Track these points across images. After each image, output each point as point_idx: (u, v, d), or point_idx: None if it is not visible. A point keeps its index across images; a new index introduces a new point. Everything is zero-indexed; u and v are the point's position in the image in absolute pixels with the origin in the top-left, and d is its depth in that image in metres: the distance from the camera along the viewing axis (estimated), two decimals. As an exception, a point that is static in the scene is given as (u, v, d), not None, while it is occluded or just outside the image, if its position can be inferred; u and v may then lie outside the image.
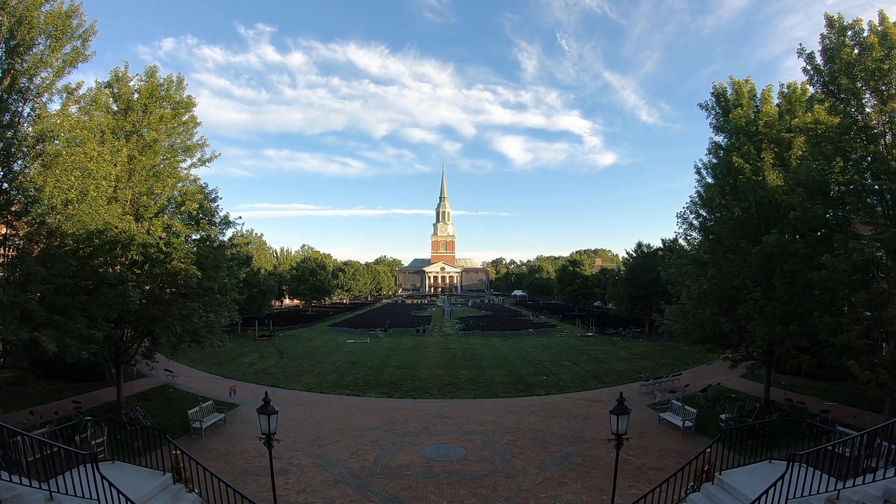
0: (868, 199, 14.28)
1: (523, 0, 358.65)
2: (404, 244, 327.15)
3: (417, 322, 60.24)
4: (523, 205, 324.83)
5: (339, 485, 12.54)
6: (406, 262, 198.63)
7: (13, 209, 13.48)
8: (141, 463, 10.28)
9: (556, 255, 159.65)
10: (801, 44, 14.97)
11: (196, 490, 9.93)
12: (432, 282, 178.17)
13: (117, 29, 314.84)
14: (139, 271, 17.34)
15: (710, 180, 19.84)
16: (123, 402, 19.11)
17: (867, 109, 13.73)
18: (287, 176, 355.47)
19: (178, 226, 18.30)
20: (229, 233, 22.65)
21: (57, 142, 13.80)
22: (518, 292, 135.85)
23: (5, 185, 13.40)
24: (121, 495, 7.65)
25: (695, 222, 20.35)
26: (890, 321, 13.05)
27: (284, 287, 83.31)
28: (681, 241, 24.50)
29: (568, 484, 12.67)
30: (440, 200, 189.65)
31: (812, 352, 18.09)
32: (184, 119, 19.03)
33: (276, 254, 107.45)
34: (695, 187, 20.45)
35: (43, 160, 13.61)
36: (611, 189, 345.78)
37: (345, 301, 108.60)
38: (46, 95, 13.76)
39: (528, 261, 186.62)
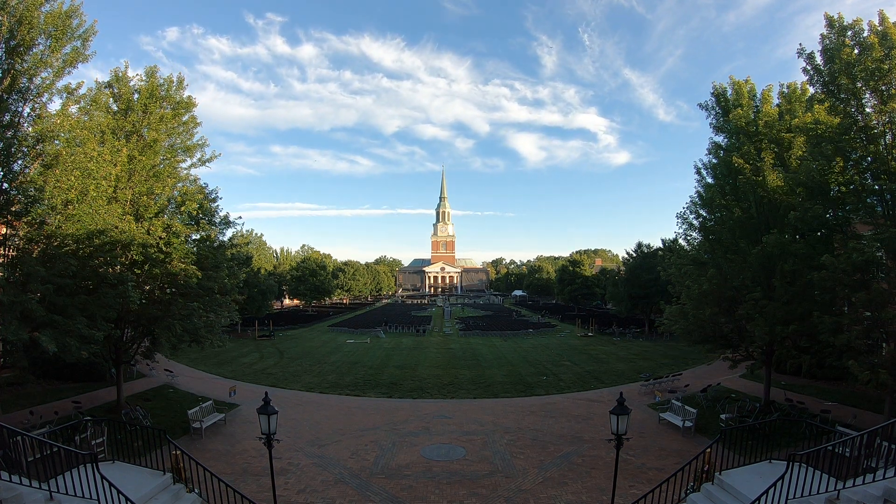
0: (868, 199, 14.27)
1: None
2: (404, 244, 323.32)
3: (417, 322, 60.24)
4: (530, 205, 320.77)
5: (339, 485, 12.54)
6: (406, 263, 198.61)
7: (13, 209, 13.48)
8: (141, 463, 10.28)
9: (556, 256, 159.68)
10: (800, 44, 14.99)
11: (196, 490, 9.93)
12: (432, 282, 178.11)
13: (118, 18, 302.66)
14: (139, 271, 17.33)
15: (710, 180, 19.83)
16: (123, 402, 19.11)
17: (867, 109, 13.72)
18: (293, 174, 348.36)
19: (178, 226, 18.29)
20: (229, 233, 22.70)
21: (57, 142, 13.79)
22: (518, 292, 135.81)
23: (5, 185, 13.40)
24: (121, 495, 7.65)
25: (695, 222, 20.35)
26: (890, 321, 13.05)
27: (284, 287, 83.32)
28: (681, 241, 24.57)
29: (568, 484, 12.67)
30: (440, 200, 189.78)
31: (812, 352, 18.12)
32: (184, 119, 19.02)
33: (276, 254, 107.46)
34: (695, 187, 20.48)
35: (43, 160, 13.61)
36: (619, 189, 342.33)
37: (345, 301, 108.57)
38: (46, 95, 13.74)
39: (528, 261, 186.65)
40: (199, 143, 19.56)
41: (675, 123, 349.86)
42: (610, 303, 68.27)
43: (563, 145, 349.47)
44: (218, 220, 20.74)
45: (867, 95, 13.63)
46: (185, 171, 19.56)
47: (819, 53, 14.42)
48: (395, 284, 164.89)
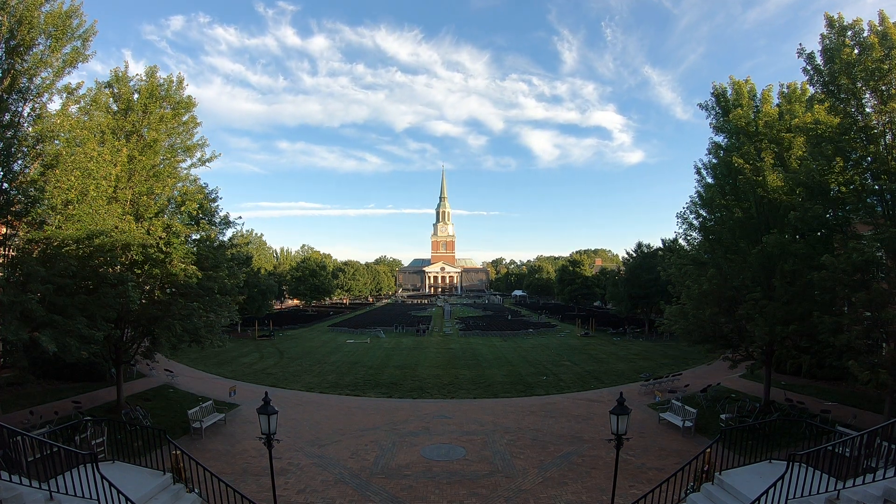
0: (868, 199, 14.25)
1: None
2: (405, 244, 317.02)
3: (417, 322, 60.24)
4: (537, 205, 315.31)
5: (339, 485, 12.54)
6: (406, 263, 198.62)
7: (13, 209, 13.48)
8: (141, 463, 10.28)
9: (556, 256, 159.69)
10: (800, 43, 14.99)
11: (196, 490, 9.93)
12: (432, 282, 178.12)
13: (120, 4, 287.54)
14: (139, 271, 17.34)
15: (710, 180, 19.84)
16: (123, 402, 19.11)
17: (867, 109, 13.72)
18: (299, 172, 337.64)
19: (178, 226, 18.30)
20: (229, 233, 22.76)
21: (57, 142, 13.80)
22: (518, 292, 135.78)
23: (5, 185, 13.40)
24: (121, 495, 7.65)
25: (695, 222, 20.36)
26: (890, 321, 13.05)
27: (284, 287, 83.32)
28: (681, 241, 24.56)
29: (568, 484, 12.67)
30: (440, 200, 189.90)
31: (812, 352, 18.10)
32: (184, 119, 19.02)
33: (276, 254, 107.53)
34: (695, 187, 20.50)
35: (43, 160, 13.61)
36: (630, 190, 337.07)
37: (345, 301, 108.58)
38: (46, 95, 13.75)
39: (528, 261, 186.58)
40: (199, 142, 19.57)
41: (692, 122, 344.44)
42: (610, 303, 68.27)
43: (577, 143, 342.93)
44: (218, 220, 20.79)
45: (867, 95, 13.62)
46: (185, 171, 19.60)
47: (819, 53, 14.41)
48: (395, 284, 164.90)
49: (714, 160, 19.63)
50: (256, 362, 33.41)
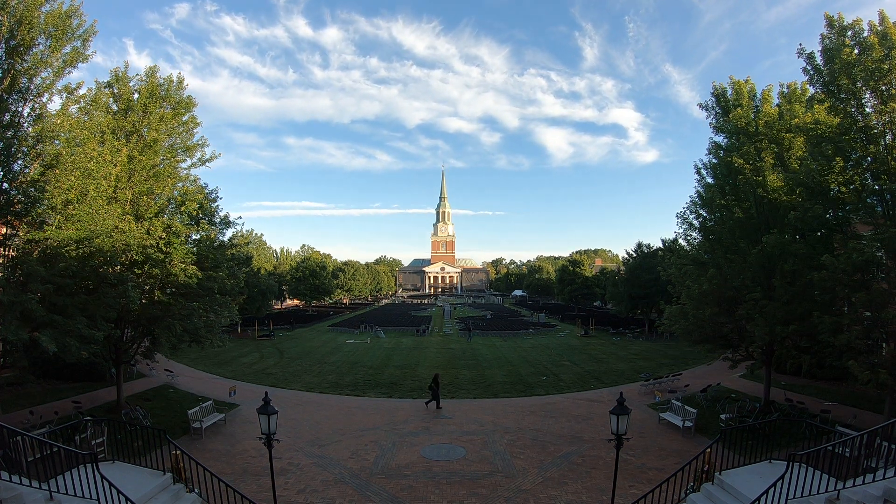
0: (868, 199, 14.25)
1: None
2: (405, 244, 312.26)
3: (417, 322, 60.23)
4: (543, 206, 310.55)
5: (339, 485, 12.54)
6: (406, 263, 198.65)
7: (13, 209, 13.48)
8: (141, 463, 10.28)
9: (556, 256, 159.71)
10: (800, 44, 14.99)
11: (196, 490, 9.93)
12: (432, 282, 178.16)
13: None
14: (139, 271, 17.34)
15: (710, 180, 19.85)
16: (123, 402, 19.11)
17: (867, 109, 13.72)
18: (305, 169, 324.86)
19: (178, 226, 18.29)
20: (229, 233, 22.74)
21: (57, 142, 13.79)
22: (518, 292, 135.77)
23: (5, 185, 13.40)
24: (121, 495, 7.65)
25: (695, 222, 20.36)
26: (890, 321, 13.05)
27: (284, 287, 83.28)
28: (681, 241, 24.57)
29: (568, 484, 12.67)
30: (440, 200, 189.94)
31: (812, 352, 18.12)
32: (184, 119, 19.00)
33: (276, 254, 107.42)
34: (695, 187, 20.52)
35: (43, 160, 13.60)
36: (642, 190, 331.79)
37: (345, 301, 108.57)
38: (46, 95, 13.74)
39: (528, 261, 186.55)
40: (199, 142, 19.55)
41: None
42: (610, 303, 68.25)
43: (593, 141, 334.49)
44: (218, 221, 20.80)
45: (867, 95, 13.62)
46: (185, 171, 19.58)
47: (819, 53, 14.42)
48: (396, 284, 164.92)
49: (714, 160, 19.64)
50: (256, 362, 33.40)
